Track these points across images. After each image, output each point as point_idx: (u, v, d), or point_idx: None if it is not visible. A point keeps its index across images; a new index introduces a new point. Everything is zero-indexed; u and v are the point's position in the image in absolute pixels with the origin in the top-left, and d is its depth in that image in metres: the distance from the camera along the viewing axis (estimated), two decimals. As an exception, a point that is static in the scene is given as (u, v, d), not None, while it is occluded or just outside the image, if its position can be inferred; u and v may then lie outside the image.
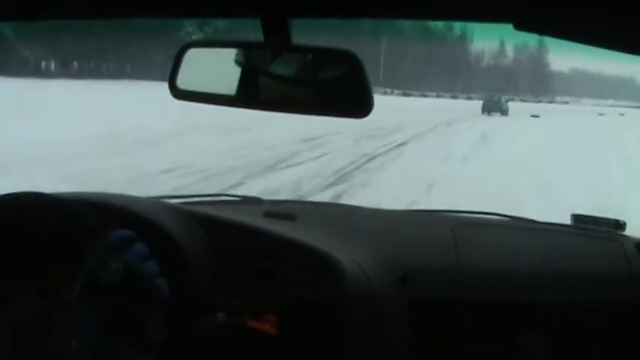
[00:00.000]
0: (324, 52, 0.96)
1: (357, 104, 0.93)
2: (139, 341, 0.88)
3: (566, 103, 41.11)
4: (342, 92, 0.96)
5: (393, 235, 1.57)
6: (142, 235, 1.24)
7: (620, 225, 1.62)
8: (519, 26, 0.74)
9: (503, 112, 31.80)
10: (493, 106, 31.99)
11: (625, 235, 1.60)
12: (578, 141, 17.04)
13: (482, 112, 30.44)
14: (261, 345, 1.26)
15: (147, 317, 0.91)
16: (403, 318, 1.40)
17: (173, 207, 1.41)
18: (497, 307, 1.47)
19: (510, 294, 1.47)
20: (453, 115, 26.30)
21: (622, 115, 37.54)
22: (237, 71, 1.00)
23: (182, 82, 1.01)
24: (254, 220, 1.43)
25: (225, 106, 1.00)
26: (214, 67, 1.03)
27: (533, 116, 29.79)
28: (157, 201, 1.48)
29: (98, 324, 0.87)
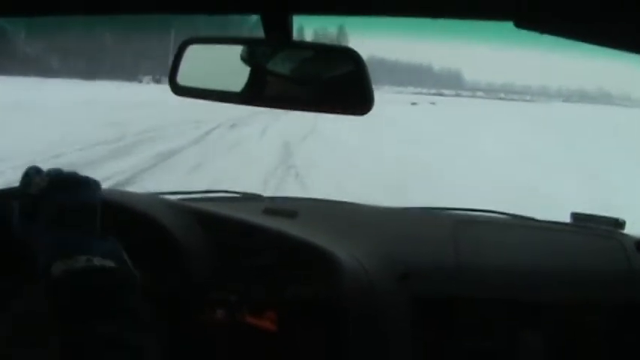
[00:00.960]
0: (325, 48, 0.96)
1: (357, 101, 0.93)
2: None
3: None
4: (342, 89, 0.96)
5: (393, 232, 1.58)
6: (141, 231, 1.25)
7: (619, 223, 1.62)
8: (520, 24, 0.74)
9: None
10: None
11: (624, 234, 1.61)
12: (416, 140, 13.52)
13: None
14: (260, 341, 1.27)
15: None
16: (403, 314, 1.40)
17: (172, 203, 1.41)
18: (496, 304, 1.48)
19: (510, 291, 1.47)
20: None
21: (433, 103, 36.38)
22: (237, 68, 0.99)
23: (182, 79, 1.01)
24: (254, 216, 1.43)
25: (226, 103, 1.00)
26: (215, 63, 1.03)
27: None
28: (156, 197, 1.48)
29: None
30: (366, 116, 0.93)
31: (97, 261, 0.81)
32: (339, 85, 0.97)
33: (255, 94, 1.00)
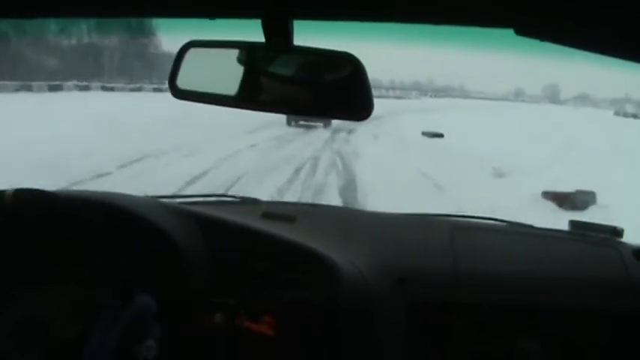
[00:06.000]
0: (325, 54, 0.96)
1: (357, 106, 0.94)
2: None
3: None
4: (342, 94, 0.96)
5: (391, 237, 1.58)
6: (141, 234, 1.24)
7: (617, 232, 1.62)
8: (520, 32, 0.74)
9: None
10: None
11: (622, 242, 1.61)
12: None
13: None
14: (258, 346, 1.26)
15: None
16: (400, 320, 1.40)
17: (172, 207, 1.41)
18: (494, 311, 1.47)
19: (507, 298, 1.47)
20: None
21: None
22: (237, 72, 1.00)
23: (182, 82, 1.01)
24: (252, 221, 1.43)
25: (226, 107, 1.00)
26: (215, 67, 1.03)
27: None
28: (155, 201, 1.48)
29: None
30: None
31: None
32: (339, 91, 0.97)
33: (255, 98, 1.00)
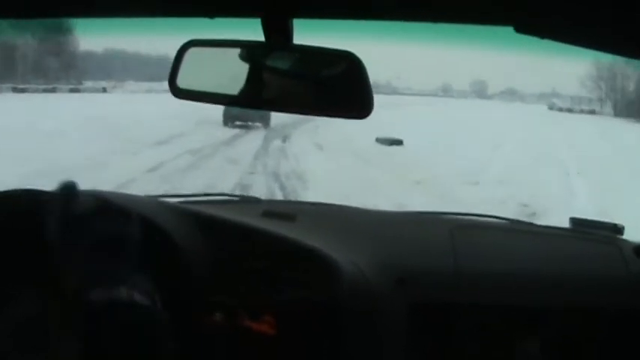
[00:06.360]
0: (324, 52, 0.96)
1: (357, 105, 0.94)
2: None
3: (104, 89, 31.27)
4: (342, 92, 0.96)
5: (392, 236, 1.57)
6: (140, 234, 1.24)
7: (618, 229, 1.62)
8: (520, 29, 0.74)
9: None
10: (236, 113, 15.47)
11: (623, 239, 1.61)
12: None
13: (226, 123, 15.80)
14: (258, 345, 1.26)
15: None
16: (401, 319, 1.40)
17: (171, 206, 1.41)
18: (495, 310, 1.47)
19: (508, 297, 1.47)
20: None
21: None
22: (237, 71, 1.00)
23: (182, 81, 1.01)
24: (252, 220, 1.43)
25: (226, 106, 1.01)
26: (215, 66, 1.03)
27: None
28: (155, 200, 1.48)
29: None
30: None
31: (138, 297, 0.81)
32: (339, 89, 0.97)
33: (255, 97, 1.00)
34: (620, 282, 1.48)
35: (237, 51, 1.00)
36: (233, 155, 10.28)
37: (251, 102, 1.01)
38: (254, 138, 12.89)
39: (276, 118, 15.10)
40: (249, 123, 15.69)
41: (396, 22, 0.91)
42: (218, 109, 14.69)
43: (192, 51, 1.01)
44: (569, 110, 32.82)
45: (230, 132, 13.55)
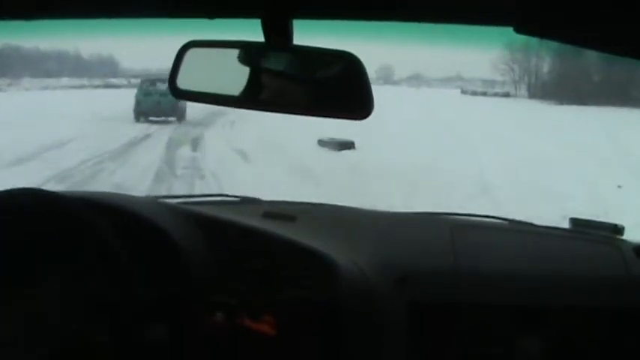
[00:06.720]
0: (325, 53, 0.96)
1: (356, 106, 0.94)
2: None
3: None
4: (342, 94, 0.96)
5: (392, 236, 1.57)
6: (141, 235, 1.24)
7: (618, 229, 1.62)
8: (520, 30, 0.74)
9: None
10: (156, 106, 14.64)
11: (623, 240, 1.60)
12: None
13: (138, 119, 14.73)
14: (258, 345, 1.26)
15: None
16: (401, 319, 1.40)
17: (172, 207, 1.41)
18: (494, 310, 1.47)
19: (508, 297, 1.47)
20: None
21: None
22: (237, 71, 1.00)
23: (182, 82, 1.01)
24: (253, 220, 1.43)
25: (226, 107, 1.01)
26: (215, 67, 1.03)
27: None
28: (155, 201, 1.48)
29: None
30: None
31: None
32: (339, 89, 0.97)
33: (255, 97, 1.00)
34: (620, 282, 1.48)
35: (237, 52, 1.00)
36: (127, 175, 7.38)
37: (251, 102, 1.01)
38: (162, 138, 10.60)
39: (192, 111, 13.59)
40: (164, 118, 14.21)
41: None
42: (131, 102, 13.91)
43: (192, 51, 1.01)
44: (484, 94, 32.29)
45: (139, 132, 11.03)
